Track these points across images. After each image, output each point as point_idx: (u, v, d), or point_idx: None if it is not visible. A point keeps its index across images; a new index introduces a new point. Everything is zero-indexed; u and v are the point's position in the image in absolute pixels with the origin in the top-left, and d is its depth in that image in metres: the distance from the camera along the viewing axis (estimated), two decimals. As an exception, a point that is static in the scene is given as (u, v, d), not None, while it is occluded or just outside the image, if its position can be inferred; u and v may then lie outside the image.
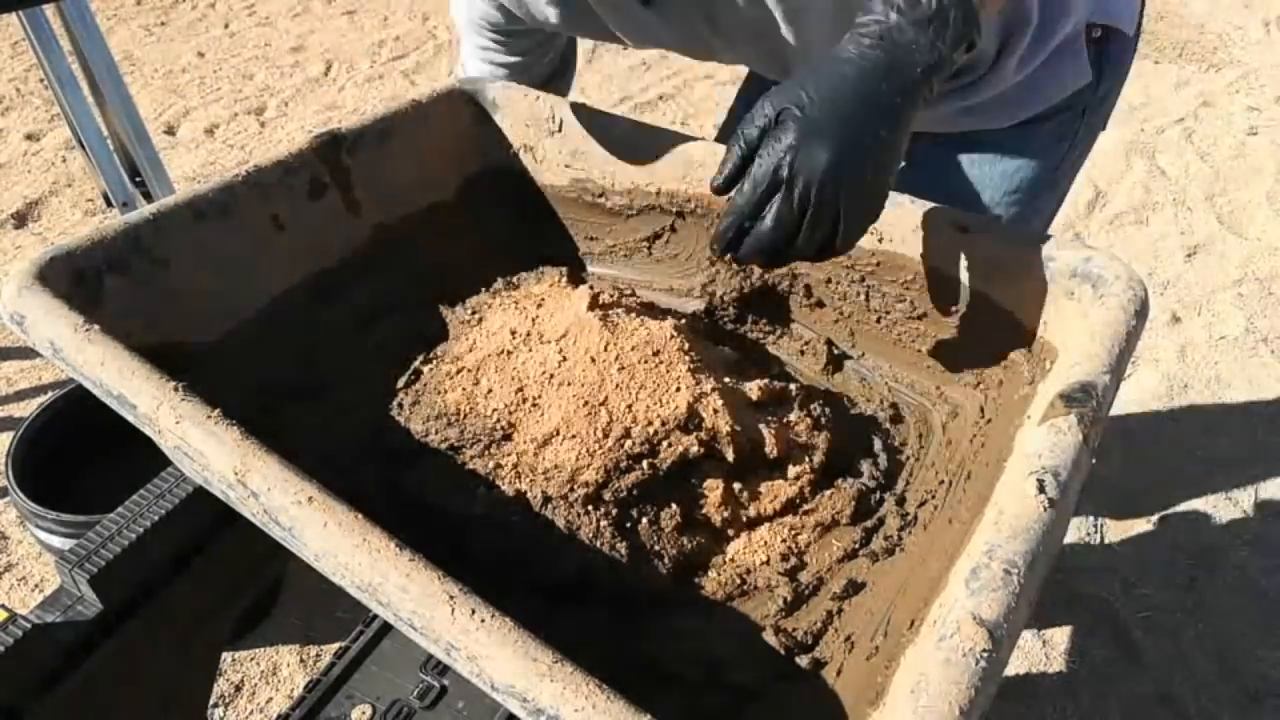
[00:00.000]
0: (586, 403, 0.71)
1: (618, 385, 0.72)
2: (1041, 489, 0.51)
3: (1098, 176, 2.95)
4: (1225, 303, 2.47)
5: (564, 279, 0.89)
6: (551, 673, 0.44)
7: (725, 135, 1.12)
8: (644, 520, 0.69)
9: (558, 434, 0.70)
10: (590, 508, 0.68)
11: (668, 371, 0.73)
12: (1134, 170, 3.01)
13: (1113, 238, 2.70)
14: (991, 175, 1.00)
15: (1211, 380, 2.23)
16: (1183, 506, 1.92)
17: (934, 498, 0.72)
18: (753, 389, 0.77)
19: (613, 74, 3.55)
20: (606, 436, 0.69)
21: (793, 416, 0.77)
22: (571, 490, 0.68)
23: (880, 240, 0.79)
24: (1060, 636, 1.67)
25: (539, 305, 0.82)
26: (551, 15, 0.94)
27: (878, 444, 0.79)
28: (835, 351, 0.88)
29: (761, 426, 0.74)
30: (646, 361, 0.74)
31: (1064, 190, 1.07)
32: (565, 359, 0.75)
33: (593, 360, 0.74)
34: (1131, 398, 2.17)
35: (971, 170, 1.01)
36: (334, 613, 1.68)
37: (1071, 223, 2.73)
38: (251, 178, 0.80)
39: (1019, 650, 1.64)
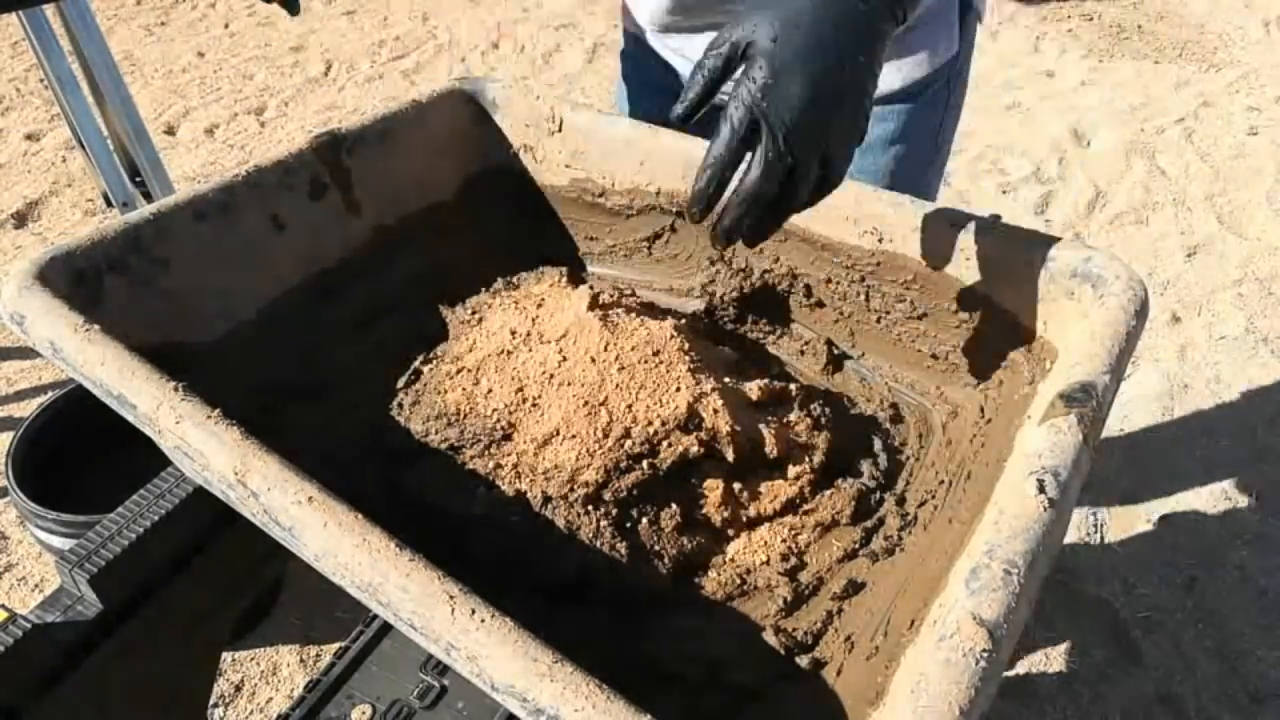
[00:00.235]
0: (586, 403, 0.71)
1: (618, 385, 0.72)
2: (1041, 489, 0.51)
3: (1098, 176, 2.95)
4: (1225, 303, 2.47)
5: (564, 279, 0.89)
6: (551, 673, 0.44)
7: None
8: (644, 520, 0.69)
9: (558, 434, 0.70)
10: (590, 508, 0.68)
11: (668, 371, 0.73)
12: (1134, 170, 3.02)
13: (1113, 238, 2.70)
14: (874, 142, 1.02)
15: (1211, 380, 2.23)
16: (1183, 506, 1.92)
17: (934, 498, 0.72)
18: (753, 389, 0.77)
19: (613, 74, 3.55)
20: (606, 436, 0.69)
21: (793, 416, 0.77)
22: (571, 490, 0.68)
23: (880, 240, 0.78)
24: (1060, 636, 1.67)
25: (539, 305, 0.82)
26: None
27: (878, 444, 0.79)
28: (835, 351, 0.88)
29: (761, 426, 0.73)
30: (646, 361, 0.74)
31: (944, 156, 1.11)
32: (565, 359, 0.75)
33: (593, 360, 0.74)
34: (1131, 397, 2.17)
35: None
36: (334, 613, 1.68)
37: (1071, 223, 2.73)
38: (251, 178, 0.80)
39: (1019, 650, 1.64)
